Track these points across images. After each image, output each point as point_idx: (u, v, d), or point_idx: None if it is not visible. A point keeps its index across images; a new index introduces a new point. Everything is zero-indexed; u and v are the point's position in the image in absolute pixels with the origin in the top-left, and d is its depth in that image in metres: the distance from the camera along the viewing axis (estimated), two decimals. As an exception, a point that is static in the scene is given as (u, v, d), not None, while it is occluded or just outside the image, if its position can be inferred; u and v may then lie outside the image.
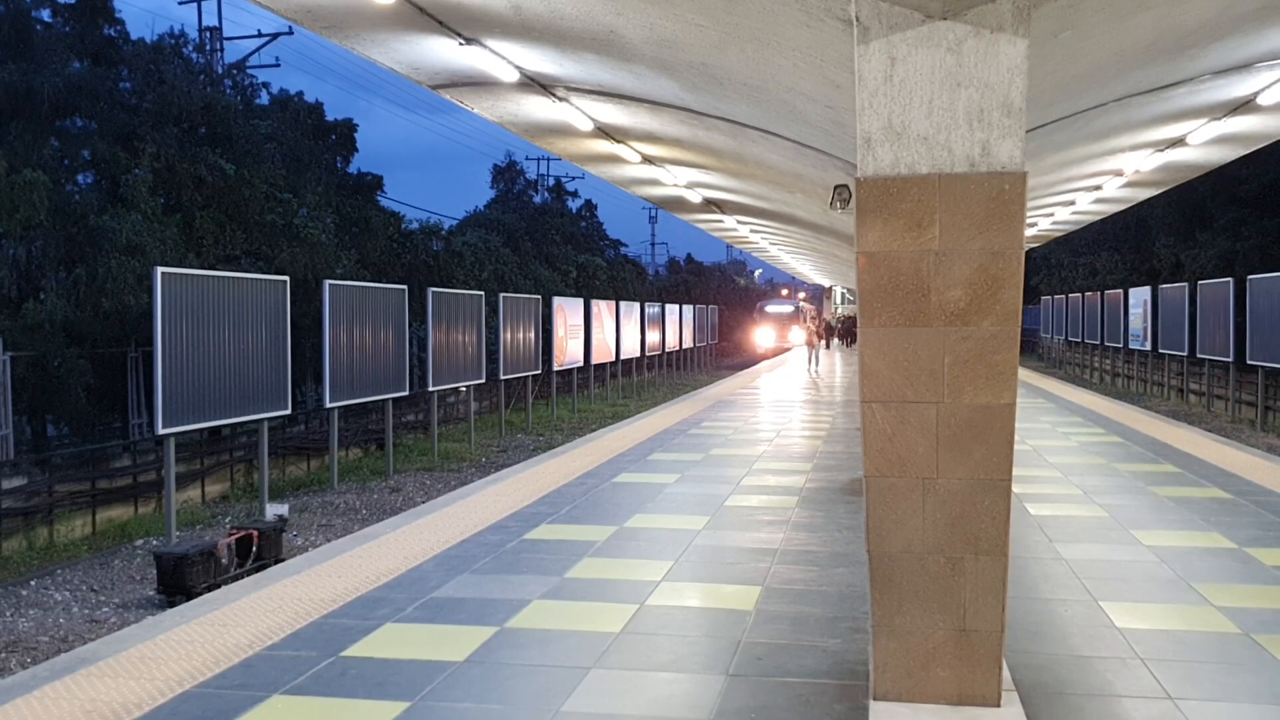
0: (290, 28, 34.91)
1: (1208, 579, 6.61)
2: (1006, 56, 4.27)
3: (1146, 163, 14.00)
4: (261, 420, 15.28)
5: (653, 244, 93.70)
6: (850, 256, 21.06)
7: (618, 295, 42.12)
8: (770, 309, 62.38)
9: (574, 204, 58.73)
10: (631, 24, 6.73)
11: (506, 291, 28.31)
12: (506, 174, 56.76)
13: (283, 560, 10.84)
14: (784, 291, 79.43)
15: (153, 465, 17.19)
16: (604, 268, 49.39)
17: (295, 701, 4.70)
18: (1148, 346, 31.77)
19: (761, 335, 59.09)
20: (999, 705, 4.42)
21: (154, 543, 13.89)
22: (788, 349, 51.61)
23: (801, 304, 64.65)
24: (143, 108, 24.25)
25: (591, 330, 31.78)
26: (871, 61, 4.39)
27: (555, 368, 29.51)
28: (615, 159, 13.55)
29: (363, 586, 6.59)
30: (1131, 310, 33.44)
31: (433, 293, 20.99)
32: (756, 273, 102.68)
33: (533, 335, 26.53)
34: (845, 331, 46.35)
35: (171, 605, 9.43)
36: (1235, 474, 10.68)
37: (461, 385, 22.62)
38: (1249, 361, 23.19)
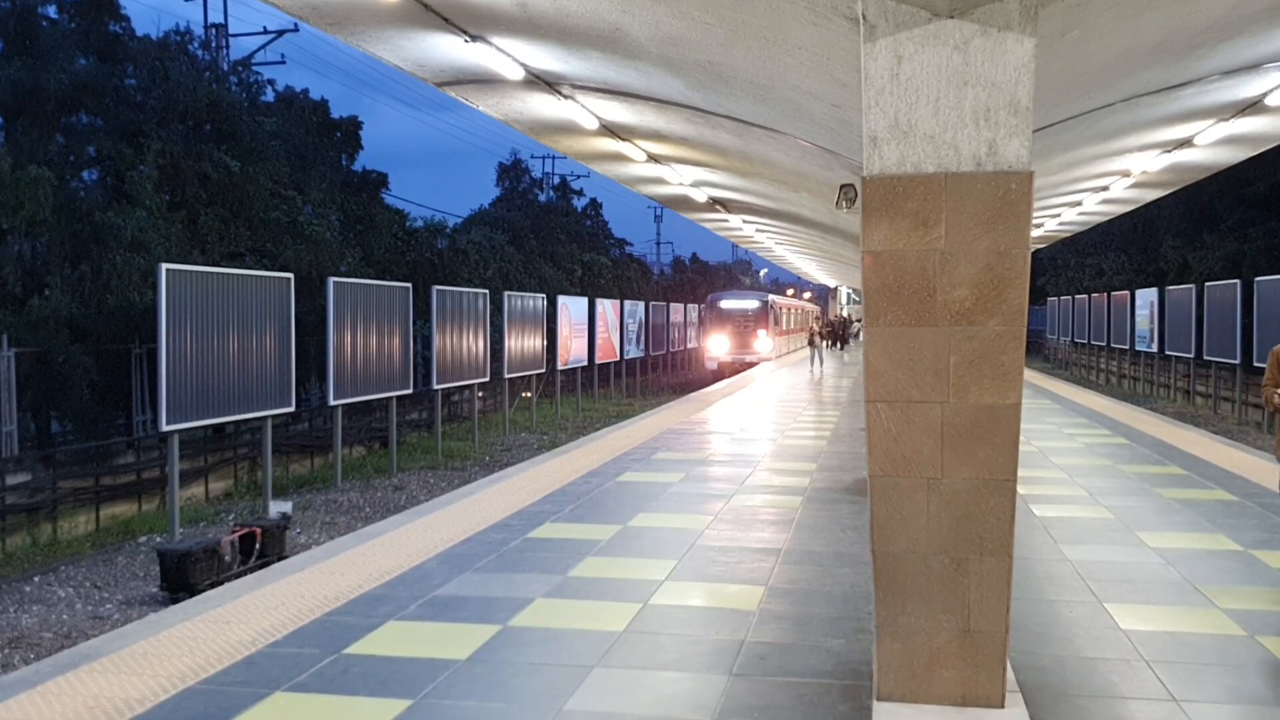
0: (296, 25, 34.92)
1: (1213, 581, 6.58)
2: (1013, 55, 4.25)
3: (1154, 163, 13.96)
4: (265, 418, 15.29)
5: (658, 243, 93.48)
6: (856, 256, 21.03)
7: (622, 294, 42.09)
8: (726, 304, 42.15)
9: (579, 202, 58.77)
10: (638, 21, 6.72)
11: (511, 290, 28.30)
12: (512, 172, 56.77)
13: (286, 558, 10.83)
14: (790, 292, 78.36)
15: (156, 462, 17.22)
16: (609, 266, 49.38)
17: (297, 699, 4.70)
18: (1154, 348, 31.67)
19: (715, 344, 41.31)
20: (1003, 706, 4.41)
21: (157, 539, 13.89)
22: (751, 364, 37.40)
23: (772, 299, 44.53)
24: (148, 104, 24.27)
25: (596, 329, 31.75)
26: (878, 60, 4.37)
27: (560, 366, 29.51)
28: (621, 157, 13.54)
29: (365, 584, 6.58)
30: (1138, 312, 33.34)
31: (437, 291, 21.00)
32: (762, 272, 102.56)
33: (537, 334, 26.52)
34: (831, 333, 46.19)
35: (174, 602, 9.43)
36: (1241, 476, 10.64)
37: (466, 384, 22.63)
38: (1256, 364, 23.12)
